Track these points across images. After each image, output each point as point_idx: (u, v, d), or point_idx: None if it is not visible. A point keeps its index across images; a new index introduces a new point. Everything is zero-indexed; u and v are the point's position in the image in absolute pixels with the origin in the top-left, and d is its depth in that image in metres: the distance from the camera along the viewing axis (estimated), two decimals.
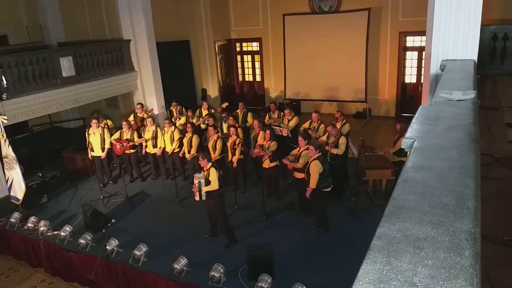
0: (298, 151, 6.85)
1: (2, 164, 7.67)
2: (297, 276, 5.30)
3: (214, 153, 7.80)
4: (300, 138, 6.94)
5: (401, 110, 12.39)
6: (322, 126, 8.17)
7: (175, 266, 5.66)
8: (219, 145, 7.85)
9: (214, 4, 13.59)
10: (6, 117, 7.47)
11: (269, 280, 5.14)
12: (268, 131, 7.52)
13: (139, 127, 9.41)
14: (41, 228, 7.02)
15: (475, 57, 4.47)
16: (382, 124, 12.08)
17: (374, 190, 7.55)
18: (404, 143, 2.16)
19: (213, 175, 6.16)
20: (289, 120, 8.70)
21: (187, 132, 8.33)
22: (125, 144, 8.55)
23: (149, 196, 8.46)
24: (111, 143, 8.61)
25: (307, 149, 6.48)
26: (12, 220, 7.40)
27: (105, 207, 8.01)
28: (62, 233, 6.84)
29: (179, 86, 12.54)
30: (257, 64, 14.76)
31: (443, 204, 1.43)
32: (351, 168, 8.11)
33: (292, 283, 5.04)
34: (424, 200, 1.47)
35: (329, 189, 6.39)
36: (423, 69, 10.53)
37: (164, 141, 8.62)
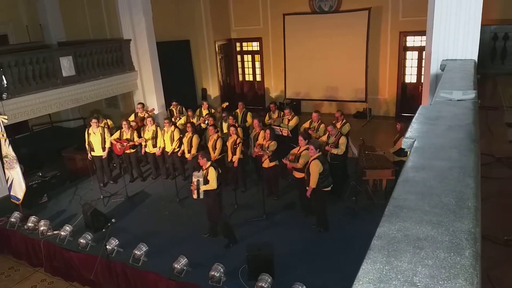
0: (298, 150, 6.85)
1: (2, 163, 7.68)
2: (297, 275, 5.30)
3: (214, 153, 7.80)
4: (300, 138, 6.94)
5: (401, 110, 12.38)
6: (322, 126, 8.17)
7: (175, 265, 5.67)
8: (219, 144, 7.85)
9: (214, 3, 13.59)
10: (6, 117, 7.47)
11: (269, 280, 5.14)
12: (268, 131, 7.52)
13: (139, 127, 9.40)
14: (41, 228, 7.02)
15: (475, 57, 4.46)
16: (382, 124, 12.08)
17: (374, 190, 7.55)
18: (404, 143, 2.16)
19: (212, 174, 6.17)
20: (289, 120, 8.70)
21: (187, 131, 8.33)
22: (125, 144, 8.55)
23: (149, 196, 8.46)
24: (111, 143, 8.61)
25: (307, 149, 6.48)
26: (12, 219, 7.40)
27: (105, 207, 8.02)
28: (62, 233, 6.85)
29: (179, 86, 12.54)
30: (257, 64, 14.76)
31: (443, 204, 1.43)
32: (351, 168, 8.10)
33: (292, 283, 5.04)
34: (424, 200, 1.47)
35: (329, 188, 6.40)
36: (423, 69, 10.53)
37: (164, 141, 8.62)
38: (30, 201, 7.96)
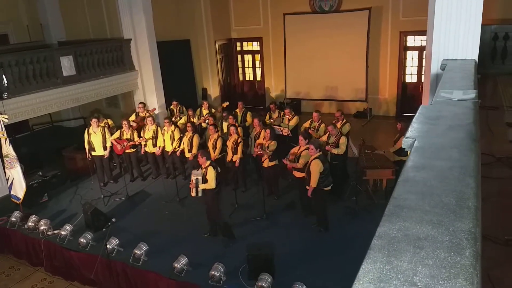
0: (298, 150, 6.85)
1: (3, 163, 7.69)
2: (297, 275, 5.29)
3: (214, 152, 7.80)
4: (300, 138, 6.94)
5: (402, 109, 12.37)
6: (322, 125, 8.17)
7: (176, 265, 5.67)
8: (219, 144, 7.85)
9: (215, 3, 13.59)
10: (6, 116, 7.47)
11: (269, 280, 5.14)
12: (268, 130, 7.52)
13: (140, 127, 9.40)
14: (42, 227, 7.02)
15: (475, 56, 4.46)
16: (383, 124, 12.08)
17: (375, 190, 7.54)
18: (405, 142, 2.16)
19: (211, 174, 6.17)
20: (289, 120, 8.70)
21: (187, 131, 8.33)
22: (125, 144, 8.55)
23: (149, 195, 8.46)
24: (111, 142, 8.60)
25: (307, 148, 6.48)
26: (12, 219, 7.40)
27: (106, 206, 8.02)
28: (62, 232, 6.84)
29: (179, 85, 12.54)
30: (257, 64, 14.75)
31: (443, 204, 1.43)
32: (351, 167, 8.10)
33: (292, 283, 5.05)
34: (425, 200, 1.47)
35: (329, 188, 6.40)
36: (423, 68, 10.53)
37: (164, 140, 8.62)
38: (31, 201, 7.96)
